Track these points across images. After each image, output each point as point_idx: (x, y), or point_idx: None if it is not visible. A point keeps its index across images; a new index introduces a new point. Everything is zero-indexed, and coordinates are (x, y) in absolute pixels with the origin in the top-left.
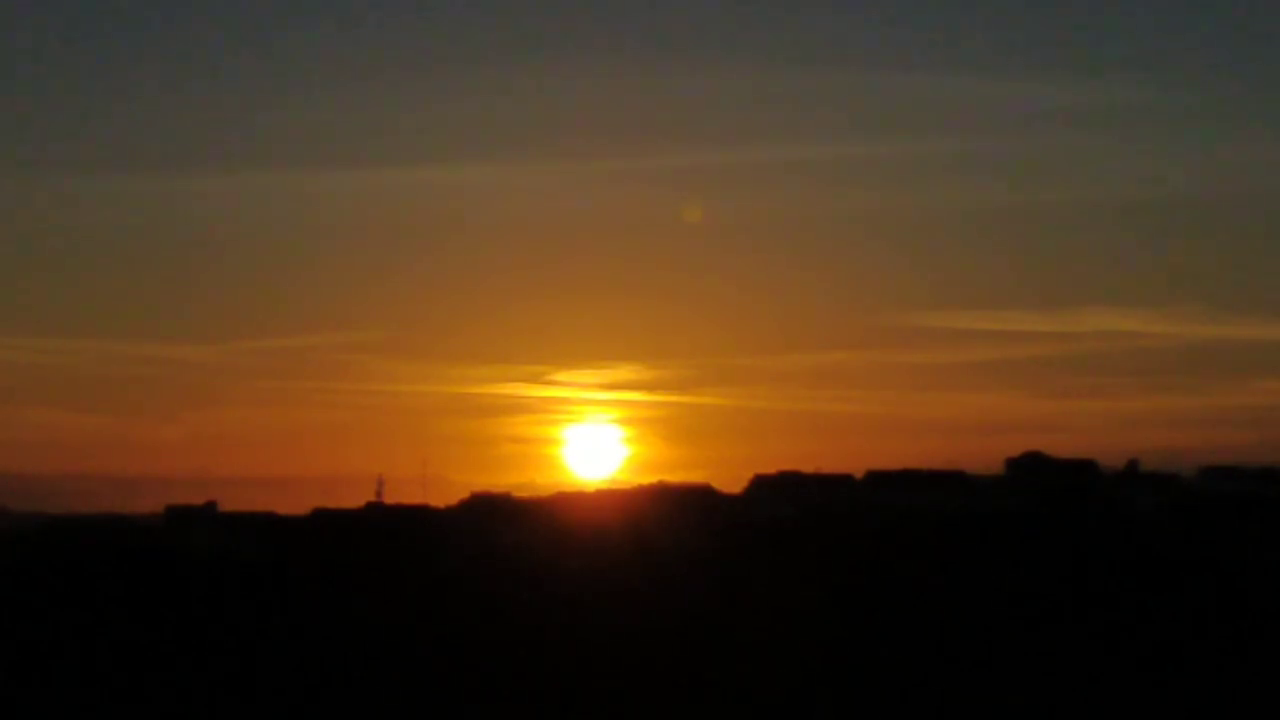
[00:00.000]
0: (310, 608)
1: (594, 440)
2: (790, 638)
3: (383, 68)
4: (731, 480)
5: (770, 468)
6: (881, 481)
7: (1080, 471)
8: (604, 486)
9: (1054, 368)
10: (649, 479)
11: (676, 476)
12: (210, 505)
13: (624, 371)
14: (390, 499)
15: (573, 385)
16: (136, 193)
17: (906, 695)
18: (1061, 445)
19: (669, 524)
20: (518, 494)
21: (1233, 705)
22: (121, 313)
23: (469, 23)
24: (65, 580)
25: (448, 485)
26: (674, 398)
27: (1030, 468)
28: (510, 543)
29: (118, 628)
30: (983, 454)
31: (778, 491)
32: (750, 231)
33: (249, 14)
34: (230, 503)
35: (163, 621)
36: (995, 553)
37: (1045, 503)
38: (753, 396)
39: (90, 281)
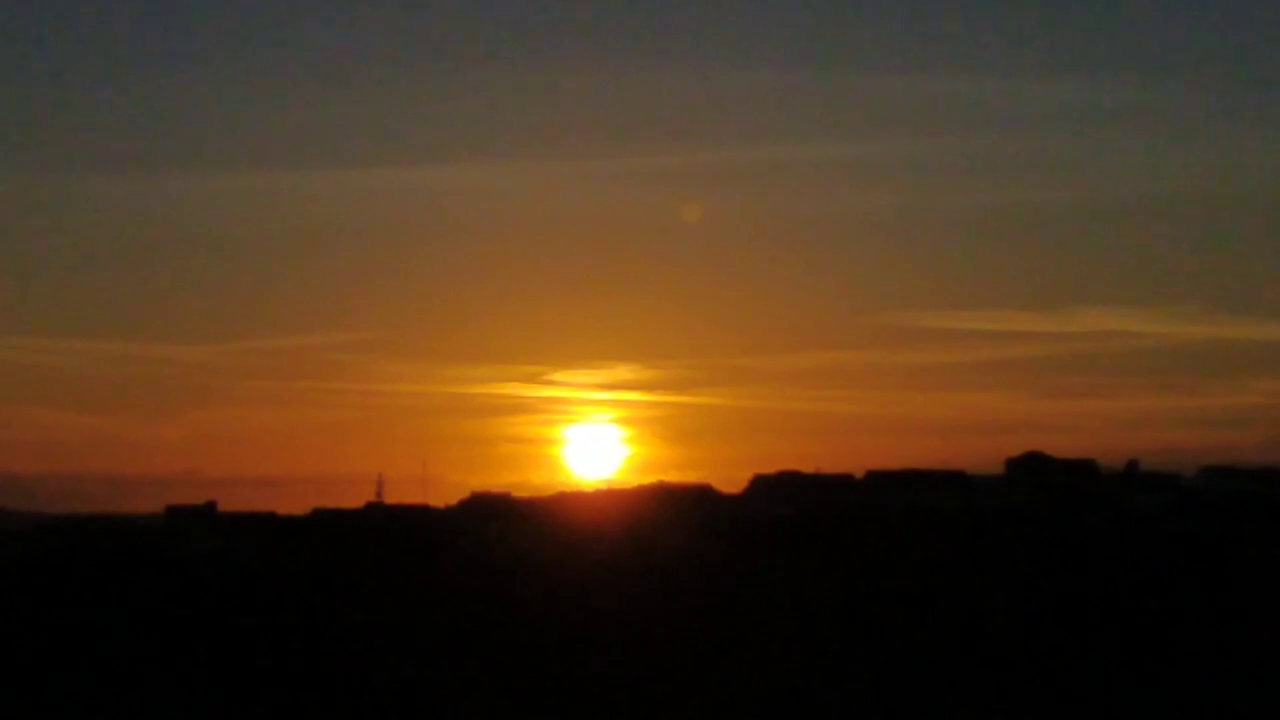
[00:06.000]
0: (310, 608)
1: (594, 440)
2: (790, 637)
3: (383, 68)
4: (731, 480)
5: (770, 468)
6: (881, 481)
7: (1080, 471)
8: (604, 486)
9: (1054, 368)
10: (649, 479)
11: (676, 476)
12: (210, 505)
13: (623, 371)
14: (390, 499)
15: (571, 385)
16: (136, 193)
17: (907, 694)
18: (1061, 445)
19: (669, 524)
20: (517, 494)
21: (1232, 704)
22: (120, 313)
23: (469, 23)
24: (64, 580)
25: (447, 485)
26: (673, 398)
27: (1030, 468)
28: (510, 543)
29: (117, 628)
30: (983, 454)
31: (778, 491)
32: (750, 231)
33: (249, 14)
34: (229, 503)
35: (163, 622)
36: (995, 553)
37: (1045, 503)
38: (752, 396)
39: (90, 281)
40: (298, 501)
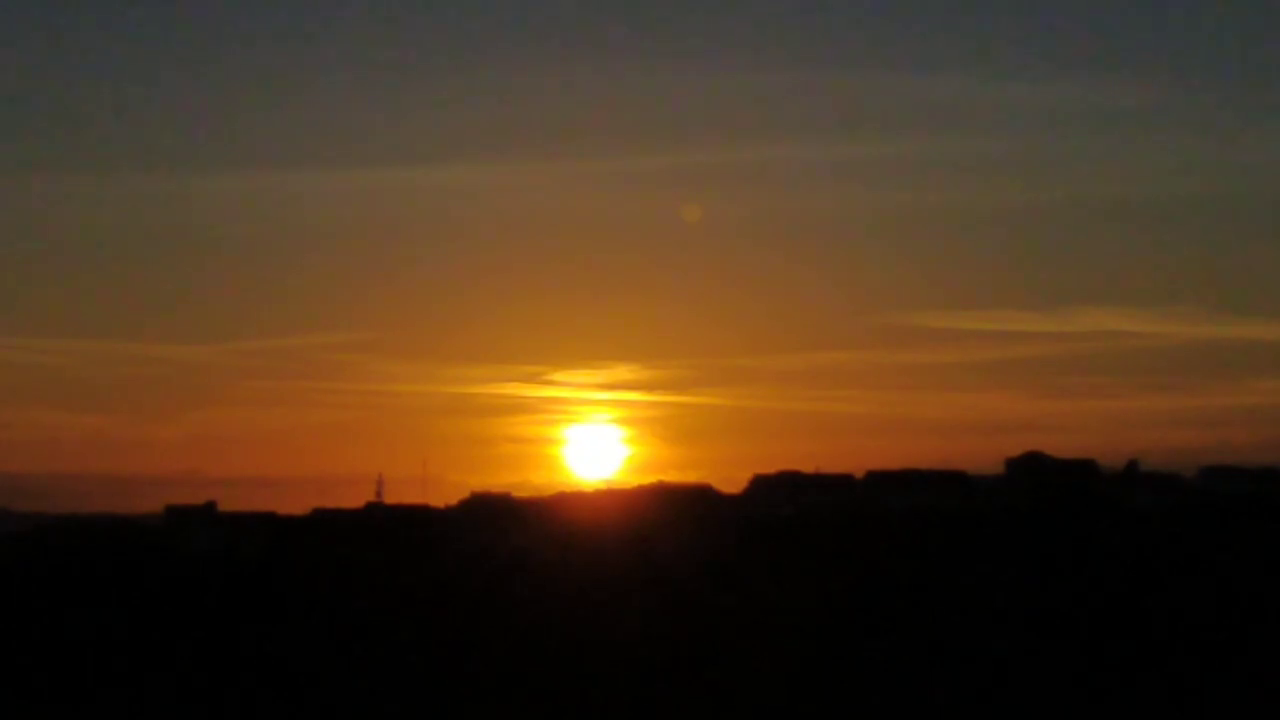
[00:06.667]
0: (310, 608)
1: (593, 440)
2: (790, 637)
3: (382, 67)
4: (731, 480)
5: (770, 468)
6: (881, 481)
7: (1080, 471)
8: (604, 486)
9: (1054, 368)
10: (649, 479)
11: (676, 476)
12: (210, 505)
13: (622, 371)
14: (390, 499)
15: (571, 385)
16: (136, 193)
17: (906, 695)
18: (1061, 445)
19: (669, 524)
20: (517, 494)
21: (1232, 705)
22: (120, 313)
23: (469, 23)
24: (65, 580)
25: (447, 485)
26: (673, 398)
27: (1030, 468)
28: (510, 543)
29: (118, 628)
30: (983, 454)
31: (778, 491)
32: (750, 231)
33: (248, 14)
34: (229, 503)
35: (163, 621)
36: (995, 553)
37: (1045, 503)
38: (752, 396)
39: (90, 281)
40: (298, 501)
